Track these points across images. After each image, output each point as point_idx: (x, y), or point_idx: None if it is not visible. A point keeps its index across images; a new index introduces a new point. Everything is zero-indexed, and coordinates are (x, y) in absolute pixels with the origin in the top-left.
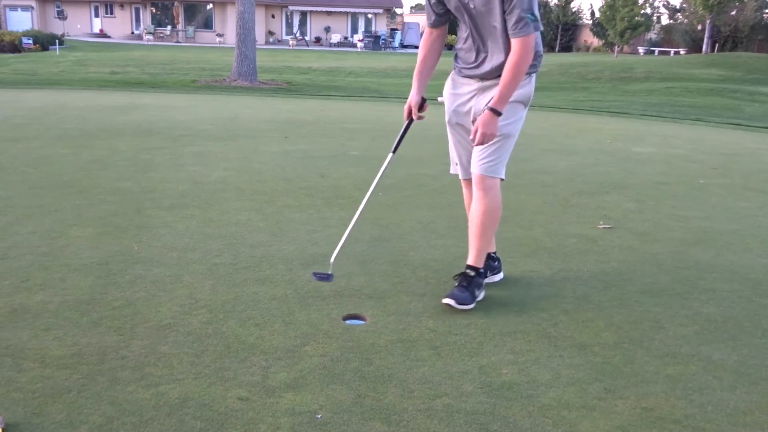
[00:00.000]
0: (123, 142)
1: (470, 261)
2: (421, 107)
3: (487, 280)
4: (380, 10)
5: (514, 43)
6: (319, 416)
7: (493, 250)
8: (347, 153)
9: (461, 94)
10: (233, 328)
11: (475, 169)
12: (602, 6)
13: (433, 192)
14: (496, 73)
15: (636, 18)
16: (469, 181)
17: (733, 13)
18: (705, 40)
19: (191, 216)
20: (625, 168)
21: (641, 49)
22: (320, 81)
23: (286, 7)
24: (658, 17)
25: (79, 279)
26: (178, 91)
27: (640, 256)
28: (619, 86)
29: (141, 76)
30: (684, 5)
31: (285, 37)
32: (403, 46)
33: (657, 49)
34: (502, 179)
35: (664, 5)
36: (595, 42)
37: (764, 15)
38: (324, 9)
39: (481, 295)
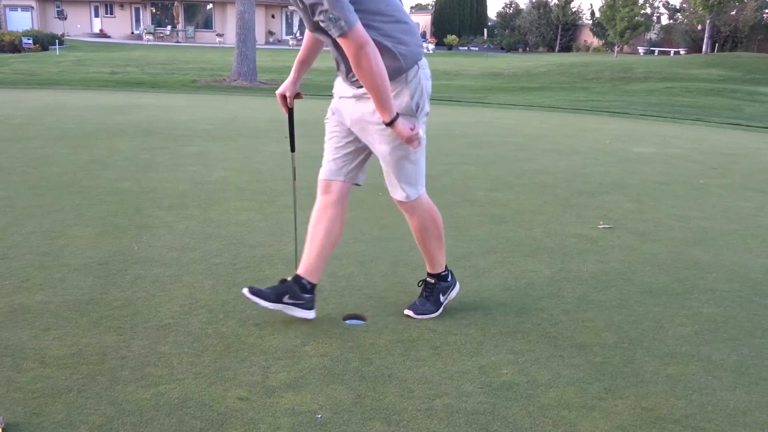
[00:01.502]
0: (123, 142)
1: (428, 269)
2: (296, 96)
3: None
4: None
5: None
6: (319, 416)
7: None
8: None
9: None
10: (233, 328)
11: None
12: (602, 6)
13: (433, 192)
14: (351, 82)
15: (636, 18)
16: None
17: (733, 13)
18: (705, 40)
19: (191, 216)
20: (625, 168)
21: (641, 49)
22: (320, 81)
23: (286, 7)
24: (658, 17)
25: (79, 279)
26: (178, 91)
27: (640, 256)
28: (619, 86)
29: (141, 76)
30: (684, 5)
31: (285, 37)
32: None
33: (657, 49)
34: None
35: (664, 5)
36: (595, 42)
37: (764, 15)
38: None
39: (452, 294)
